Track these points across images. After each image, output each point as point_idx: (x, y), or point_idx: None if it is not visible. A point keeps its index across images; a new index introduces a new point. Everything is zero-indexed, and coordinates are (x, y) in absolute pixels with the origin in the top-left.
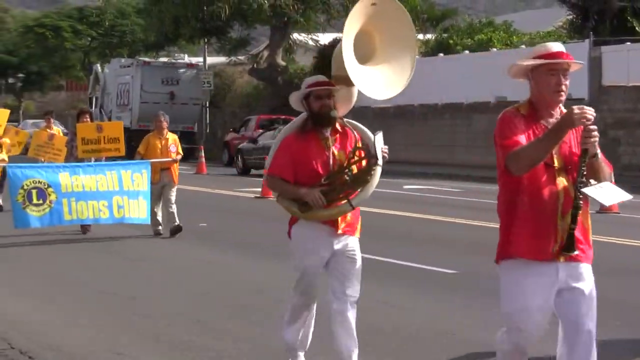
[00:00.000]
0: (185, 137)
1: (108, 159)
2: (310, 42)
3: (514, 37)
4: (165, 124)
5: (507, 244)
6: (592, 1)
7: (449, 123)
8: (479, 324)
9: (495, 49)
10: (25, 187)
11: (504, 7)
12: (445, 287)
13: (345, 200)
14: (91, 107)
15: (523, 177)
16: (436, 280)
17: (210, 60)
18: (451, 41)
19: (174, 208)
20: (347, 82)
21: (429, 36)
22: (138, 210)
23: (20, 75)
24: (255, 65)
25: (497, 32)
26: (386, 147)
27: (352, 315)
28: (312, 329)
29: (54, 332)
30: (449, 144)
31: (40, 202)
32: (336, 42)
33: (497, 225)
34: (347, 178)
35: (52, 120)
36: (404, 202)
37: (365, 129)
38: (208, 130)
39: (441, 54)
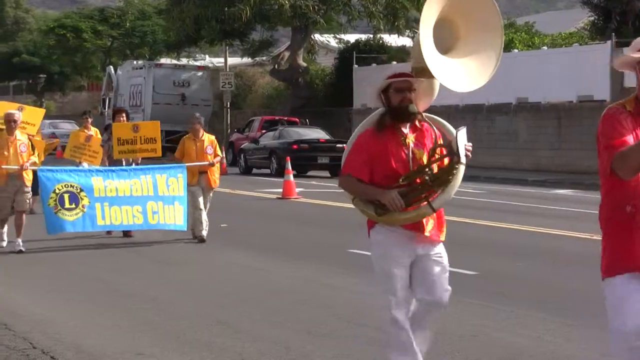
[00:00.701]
0: None
1: (144, 159)
2: (332, 43)
3: (536, 38)
4: (199, 126)
5: (620, 259)
6: (614, 2)
7: (470, 124)
8: (499, 325)
9: (516, 50)
10: (57, 191)
11: (526, 8)
12: (465, 289)
13: (426, 202)
14: (104, 108)
15: (632, 181)
16: (456, 282)
17: (231, 61)
18: None
19: (205, 214)
20: (427, 74)
21: None
22: (174, 216)
23: (42, 75)
24: (276, 66)
25: (519, 34)
26: (470, 144)
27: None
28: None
29: (75, 332)
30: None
31: (73, 206)
32: (356, 44)
33: (520, 227)
34: (427, 178)
35: (89, 120)
36: None
37: (447, 124)
38: (229, 131)
39: None
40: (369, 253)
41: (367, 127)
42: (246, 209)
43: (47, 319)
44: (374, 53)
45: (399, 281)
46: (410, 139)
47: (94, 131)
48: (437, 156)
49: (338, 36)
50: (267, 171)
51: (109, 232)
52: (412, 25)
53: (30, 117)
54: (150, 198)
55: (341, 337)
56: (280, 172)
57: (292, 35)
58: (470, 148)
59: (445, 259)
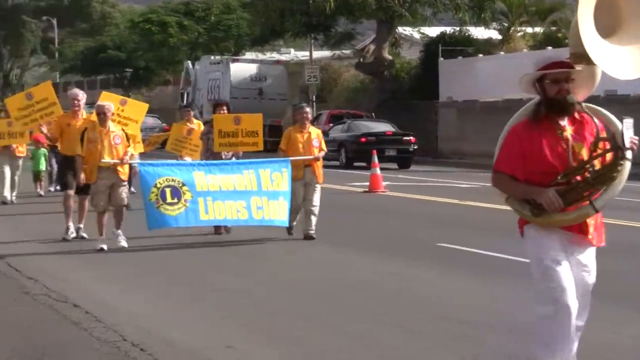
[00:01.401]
0: (273, 131)
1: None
2: (417, 36)
3: None
4: (309, 117)
5: None
6: None
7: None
8: (597, 322)
9: None
10: (159, 185)
11: None
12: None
13: (587, 202)
14: (182, 102)
15: None
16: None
17: (316, 54)
18: (560, 34)
19: (316, 212)
20: (587, 61)
21: (537, 29)
22: (278, 212)
23: (128, 70)
24: (361, 60)
25: None
26: (636, 137)
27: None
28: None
29: (166, 325)
30: None
31: (175, 200)
32: (441, 37)
33: (618, 222)
34: (589, 175)
35: (191, 113)
36: None
37: (610, 115)
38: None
39: (549, 47)
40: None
41: (521, 118)
42: (333, 203)
43: (137, 312)
44: (459, 46)
45: (562, 270)
46: (569, 131)
47: (196, 124)
48: (599, 151)
49: (422, 30)
50: (336, 163)
51: (217, 230)
52: (498, 17)
53: (133, 112)
54: (254, 193)
55: (430, 332)
56: (349, 164)
57: (377, 29)
58: (637, 141)
59: (594, 271)
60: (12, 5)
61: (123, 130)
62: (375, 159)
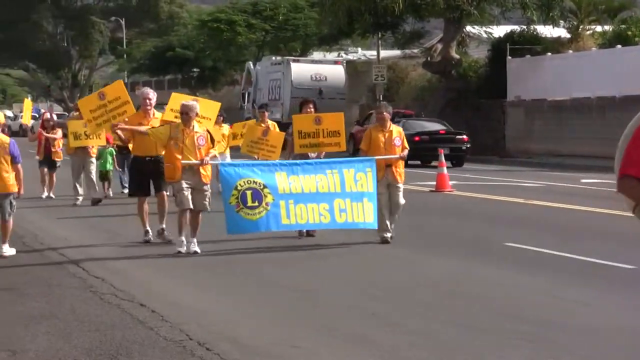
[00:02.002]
0: None
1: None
2: (484, 35)
3: None
4: (387, 116)
5: None
6: None
7: (627, 116)
8: None
9: None
10: (239, 187)
11: None
12: (623, 283)
13: None
14: (244, 102)
15: None
16: (614, 276)
17: (384, 53)
18: (629, 32)
19: (399, 213)
20: None
21: (606, 28)
22: (363, 214)
23: (195, 69)
24: (428, 59)
25: None
26: None
27: None
28: None
29: (231, 324)
30: None
31: (256, 204)
32: (509, 36)
33: None
34: None
35: (266, 114)
36: (582, 196)
37: None
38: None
39: (619, 46)
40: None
41: None
42: None
43: (203, 311)
44: (527, 44)
45: None
46: None
47: (271, 124)
48: None
49: (489, 29)
50: None
51: (300, 234)
52: (567, 16)
53: (205, 110)
54: (337, 195)
55: (495, 331)
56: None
57: (444, 27)
58: None
59: None
60: (81, 6)
61: (208, 131)
62: (442, 159)
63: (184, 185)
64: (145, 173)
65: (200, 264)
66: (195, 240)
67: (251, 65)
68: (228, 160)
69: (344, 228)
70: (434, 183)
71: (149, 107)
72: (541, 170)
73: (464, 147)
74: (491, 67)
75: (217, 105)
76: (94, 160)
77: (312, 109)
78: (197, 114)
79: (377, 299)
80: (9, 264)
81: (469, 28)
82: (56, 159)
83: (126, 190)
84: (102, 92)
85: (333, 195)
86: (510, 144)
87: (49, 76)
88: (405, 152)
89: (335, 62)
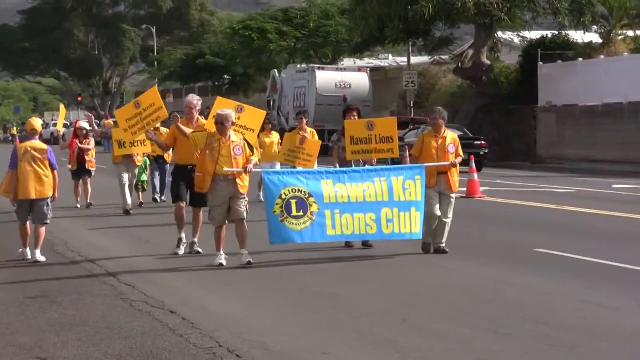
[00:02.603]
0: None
1: (379, 161)
2: (516, 41)
3: None
4: (442, 122)
5: None
6: None
7: (635, 123)
8: None
9: None
10: (284, 196)
11: None
12: None
13: None
14: (269, 110)
15: None
16: None
17: (414, 59)
18: None
19: (449, 224)
20: None
21: (638, 33)
22: (410, 225)
23: (226, 77)
24: (459, 65)
25: None
26: None
27: None
28: None
29: (262, 331)
30: None
31: (301, 214)
32: (541, 41)
33: None
34: None
35: (304, 121)
36: (614, 201)
37: None
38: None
39: None
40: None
41: None
42: None
43: (234, 319)
44: (559, 50)
45: None
46: None
47: (309, 132)
48: None
49: (521, 34)
50: None
51: (348, 244)
52: (598, 21)
53: (249, 121)
54: (385, 204)
55: (527, 337)
56: None
57: (475, 33)
58: None
59: None
60: (113, 15)
61: (245, 140)
62: (473, 165)
63: (219, 200)
64: (186, 182)
65: (231, 273)
66: (245, 251)
67: (276, 73)
68: (278, 169)
69: (390, 239)
70: (465, 189)
71: (192, 115)
72: (573, 175)
73: (482, 152)
74: (522, 73)
75: (262, 114)
76: (137, 170)
77: (356, 116)
78: (233, 123)
79: (408, 304)
80: (40, 271)
81: (500, 34)
82: (90, 168)
83: (157, 197)
84: (137, 102)
85: (381, 204)
86: (542, 149)
87: (80, 84)
88: (459, 159)
89: (360, 70)
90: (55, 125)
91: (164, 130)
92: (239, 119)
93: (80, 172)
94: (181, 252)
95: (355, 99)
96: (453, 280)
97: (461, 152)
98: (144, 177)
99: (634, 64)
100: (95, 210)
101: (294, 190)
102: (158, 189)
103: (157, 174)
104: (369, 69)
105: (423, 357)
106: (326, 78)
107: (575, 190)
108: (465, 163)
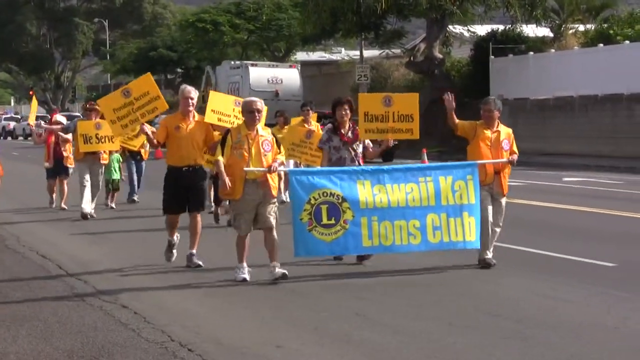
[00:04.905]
0: None
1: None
2: (466, 34)
3: None
4: (497, 114)
5: None
6: None
7: (610, 114)
8: None
9: None
10: (313, 201)
11: None
12: (604, 280)
13: None
14: (203, 104)
15: None
16: (595, 273)
17: (367, 53)
18: (611, 31)
19: (497, 232)
20: None
21: (588, 26)
22: (462, 232)
23: (179, 70)
24: (412, 58)
25: None
26: None
27: None
28: None
29: (215, 325)
30: (610, 135)
31: (332, 222)
32: (492, 35)
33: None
34: None
35: (310, 113)
36: (564, 194)
37: None
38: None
39: (601, 45)
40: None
41: None
42: None
43: (186, 313)
44: (510, 43)
45: None
46: None
47: (315, 126)
48: None
49: (471, 28)
50: None
51: (337, 258)
52: (549, 15)
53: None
54: (431, 209)
55: (481, 329)
56: None
57: (427, 27)
58: None
59: None
60: (65, 8)
61: (273, 134)
62: (425, 157)
63: (247, 206)
64: (181, 186)
65: (185, 268)
66: (277, 264)
67: (211, 68)
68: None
69: (438, 250)
70: None
71: (190, 108)
72: (525, 168)
73: (391, 144)
74: (474, 67)
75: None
76: (102, 169)
77: (348, 110)
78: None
79: (363, 298)
80: None
81: (451, 27)
82: (68, 165)
83: (135, 198)
84: (126, 89)
85: (426, 209)
86: None
87: (32, 78)
88: (515, 157)
89: (290, 66)
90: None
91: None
92: (240, 112)
93: (57, 169)
94: (174, 256)
95: (286, 94)
96: (402, 274)
97: (516, 149)
98: (116, 176)
99: (584, 57)
100: (70, 213)
101: (325, 194)
102: (136, 189)
103: (134, 171)
104: (299, 65)
105: (377, 350)
106: (259, 74)
107: (527, 183)
108: (416, 156)
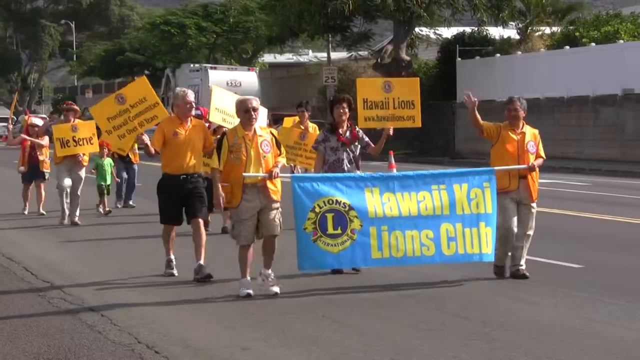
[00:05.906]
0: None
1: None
2: (432, 36)
3: None
4: (522, 114)
5: None
6: None
7: (575, 116)
8: (606, 319)
9: (622, 41)
10: (318, 209)
11: None
12: (571, 282)
13: None
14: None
15: None
16: (561, 275)
17: (335, 55)
18: (577, 34)
19: (528, 241)
20: None
21: (555, 29)
22: (478, 243)
23: (147, 72)
24: (379, 60)
25: (625, 24)
26: None
27: None
28: None
29: (182, 327)
30: (576, 137)
31: (338, 231)
32: (460, 37)
33: (627, 220)
34: None
35: (306, 114)
36: None
37: None
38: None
39: (567, 47)
40: None
41: None
42: None
43: (153, 315)
44: (477, 46)
45: None
46: None
47: (311, 127)
48: None
49: (437, 31)
50: None
51: (336, 271)
52: (516, 17)
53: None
54: (445, 219)
55: (447, 332)
56: None
57: (394, 29)
58: None
59: None
60: (31, 9)
61: (272, 134)
62: (392, 160)
63: (247, 213)
64: (178, 195)
65: (152, 271)
66: (271, 273)
67: (170, 72)
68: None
69: (453, 262)
70: None
71: (192, 112)
72: None
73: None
74: (441, 69)
75: (263, 110)
76: (83, 173)
77: (346, 108)
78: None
79: (329, 300)
80: None
81: (418, 30)
82: (44, 170)
83: (126, 204)
84: (120, 95)
85: (439, 219)
86: (461, 144)
87: None
88: (540, 161)
89: (249, 69)
90: None
91: None
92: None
93: (32, 174)
94: (173, 272)
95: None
96: (373, 276)
97: (542, 152)
98: (109, 180)
99: (551, 60)
100: (48, 219)
101: (330, 202)
102: (130, 194)
103: (124, 175)
104: (257, 68)
105: (343, 352)
106: (218, 77)
107: None
108: (383, 158)
